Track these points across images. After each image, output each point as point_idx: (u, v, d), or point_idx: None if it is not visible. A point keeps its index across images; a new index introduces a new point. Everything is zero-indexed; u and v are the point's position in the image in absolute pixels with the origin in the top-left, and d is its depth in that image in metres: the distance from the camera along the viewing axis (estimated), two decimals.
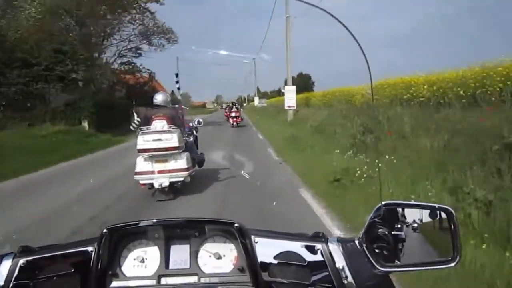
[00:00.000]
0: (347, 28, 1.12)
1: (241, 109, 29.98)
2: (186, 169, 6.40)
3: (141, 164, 6.35)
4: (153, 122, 6.49)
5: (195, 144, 7.66)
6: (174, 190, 6.46)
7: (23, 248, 1.07)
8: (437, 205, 1.08)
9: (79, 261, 1.04)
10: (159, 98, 6.84)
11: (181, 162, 6.37)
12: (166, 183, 6.24)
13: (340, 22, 1.13)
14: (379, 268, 1.03)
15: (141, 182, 6.41)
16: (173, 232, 1.13)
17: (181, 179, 6.39)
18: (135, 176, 6.38)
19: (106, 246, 1.05)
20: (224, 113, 28.95)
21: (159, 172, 6.27)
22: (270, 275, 1.05)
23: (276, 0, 25.19)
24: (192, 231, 1.13)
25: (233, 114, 24.47)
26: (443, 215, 1.06)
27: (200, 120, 8.11)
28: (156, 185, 6.27)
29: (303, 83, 67.67)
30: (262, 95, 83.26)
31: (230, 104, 27.46)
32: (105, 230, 1.04)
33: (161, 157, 6.32)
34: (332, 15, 1.16)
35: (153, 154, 6.28)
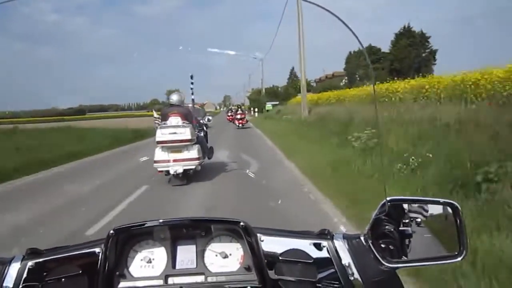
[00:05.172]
0: (352, 31, 1.05)
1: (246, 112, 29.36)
2: (197, 159, 7.15)
3: (159, 154, 7.07)
4: (169, 118, 7.22)
5: (205, 139, 8.46)
6: (187, 176, 7.14)
7: (31, 251, 1.05)
8: (442, 200, 1.02)
9: (87, 262, 1.01)
10: (174, 98, 7.57)
11: (193, 152, 7.10)
12: (180, 170, 6.97)
13: (347, 26, 1.06)
14: (386, 264, 0.97)
15: (159, 169, 7.12)
16: (179, 232, 1.08)
17: (193, 167, 7.14)
18: (154, 164, 7.09)
19: (113, 247, 1.02)
20: (227, 117, 28.64)
21: (174, 161, 6.98)
22: (276, 273, 1.01)
23: (286, 4, 24.36)
24: (198, 230, 1.09)
25: (238, 116, 25.19)
26: (449, 209, 1.01)
27: (210, 117, 9.08)
28: (171, 172, 7.00)
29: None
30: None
31: (236, 107, 27.99)
32: (111, 231, 1.00)
33: (176, 148, 7.00)
34: (339, 18, 1.09)
35: (169, 145, 6.97)
